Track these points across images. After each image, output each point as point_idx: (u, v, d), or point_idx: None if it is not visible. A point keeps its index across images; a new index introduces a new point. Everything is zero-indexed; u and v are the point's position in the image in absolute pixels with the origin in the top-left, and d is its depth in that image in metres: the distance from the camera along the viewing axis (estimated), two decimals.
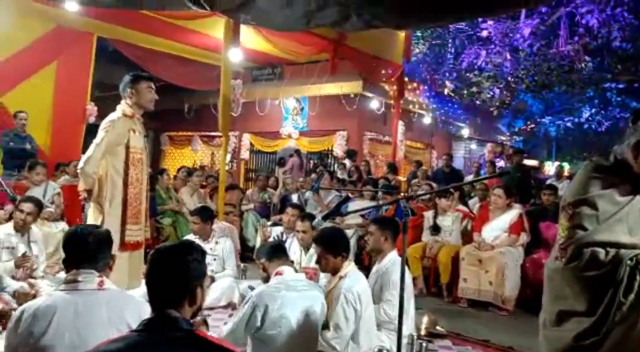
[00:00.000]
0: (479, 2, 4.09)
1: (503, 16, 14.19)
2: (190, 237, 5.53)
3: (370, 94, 12.25)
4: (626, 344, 1.99)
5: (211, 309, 5.10)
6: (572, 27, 13.78)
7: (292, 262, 4.95)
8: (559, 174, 10.81)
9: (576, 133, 16.60)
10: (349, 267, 3.50)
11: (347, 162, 11.15)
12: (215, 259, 5.38)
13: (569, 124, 16.13)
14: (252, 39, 9.30)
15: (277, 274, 2.95)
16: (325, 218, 2.98)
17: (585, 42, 13.27)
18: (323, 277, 4.35)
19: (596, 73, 13.83)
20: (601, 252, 2.04)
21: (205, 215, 5.44)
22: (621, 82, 14.01)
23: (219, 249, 5.43)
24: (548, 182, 9.33)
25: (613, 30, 12.36)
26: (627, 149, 2.12)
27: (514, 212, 6.16)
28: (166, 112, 13.85)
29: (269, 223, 6.36)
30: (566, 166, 15.15)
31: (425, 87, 14.93)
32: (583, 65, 13.66)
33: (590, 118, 15.70)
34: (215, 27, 8.09)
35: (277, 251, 3.27)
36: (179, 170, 9.48)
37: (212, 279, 5.26)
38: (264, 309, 2.78)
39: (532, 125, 16.98)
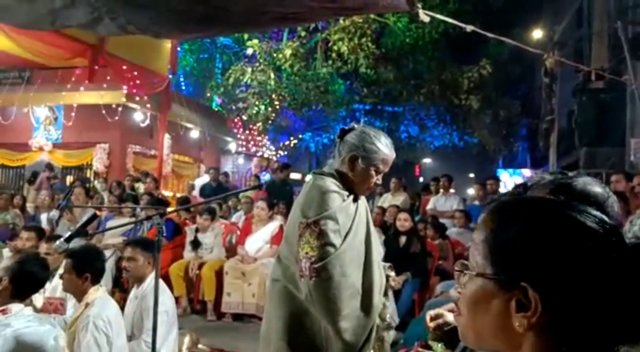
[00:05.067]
0: (231, 18, 4.16)
1: (267, 36, 14.90)
2: None
3: (134, 105, 11.67)
4: None
5: None
6: (327, 51, 15.10)
7: None
8: None
9: (332, 148, 18.16)
10: (98, 293, 3.19)
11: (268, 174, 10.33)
12: None
13: (325, 140, 17.56)
14: None
15: (1, 312, 2.52)
16: (68, 240, 2.65)
17: (338, 66, 14.65)
18: (71, 308, 3.92)
19: (347, 95, 15.32)
20: (346, 279, 2.14)
21: None
22: (367, 104, 15.76)
23: None
24: None
25: (360, 57, 13.87)
26: (344, 164, 2.29)
27: (275, 224, 6.40)
28: None
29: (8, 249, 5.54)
30: None
31: (194, 101, 14.83)
32: (336, 87, 15.01)
33: None
34: None
35: None
36: None
37: None
38: None
39: (295, 141, 18.04)
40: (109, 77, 10.49)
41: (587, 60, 9.86)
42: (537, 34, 12.20)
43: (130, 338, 3.49)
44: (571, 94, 10.76)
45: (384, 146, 2.29)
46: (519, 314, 0.77)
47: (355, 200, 2.32)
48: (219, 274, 6.05)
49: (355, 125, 2.35)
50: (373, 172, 2.29)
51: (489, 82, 13.61)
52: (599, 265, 0.77)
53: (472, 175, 21.10)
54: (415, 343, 2.77)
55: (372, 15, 13.26)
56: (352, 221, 2.22)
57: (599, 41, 9.58)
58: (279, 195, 7.95)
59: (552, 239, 0.79)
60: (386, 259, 6.03)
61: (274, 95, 14.72)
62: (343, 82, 15.21)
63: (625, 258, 0.78)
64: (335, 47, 14.26)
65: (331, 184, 2.25)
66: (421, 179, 18.95)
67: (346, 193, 2.27)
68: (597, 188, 1.34)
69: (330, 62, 14.96)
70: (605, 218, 0.82)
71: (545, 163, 12.85)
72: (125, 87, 10.83)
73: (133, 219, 6.77)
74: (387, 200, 8.35)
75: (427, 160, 22.94)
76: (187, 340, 4.51)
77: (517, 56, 12.58)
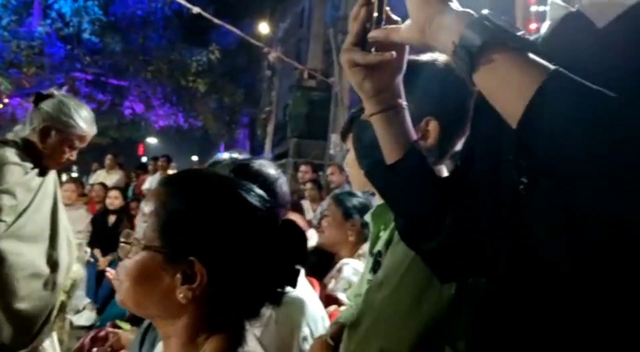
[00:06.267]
0: None
1: None
2: None
3: None
4: None
5: None
6: (45, 9, 13.50)
7: None
8: None
9: None
10: None
11: None
12: None
13: None
14: None
15: None
16: None
17: (58, 28, 13.25)
18: None
19: (67, 61, 13.98)
20: (22, 258, 1.99)
21: None
22: (90, 73, 14.63)
23: None
24: None
25: (84, 21, 12.80)
26: (34, 134, 2.12)
27: None
28: None
29: None
30: None
31: None
32: (55, 50, 13.55)
33: None
34: None
35: None
36: None
37: None
38: None
39: (0, 105, 15.74)
40: None
41: (304, 60, 10.87)
42: (264, 28, 12.97)
43: None
44: (288, 89, 11.76)
45: (84, 121, 2.16)
46: (183, 286, 0.80)
47: (43, 174, 2.16)
48: None
49: (55, 92, 2.18)
50: (67, 148, 2.16)
51: (216, 68, 13.97)
52: (258, 240, 0.84)
53: (195, 158, 21.39)
54: (107, 324, 2.74)
55: None
56: (34, 195, 2.07)
57: (315, 44, 10.65)
58: None
59: (219, 214, 0.83)
60: (93, 238, 5.79)
61: None
62: (63, 46, 13.79)
63: (277, 235, 0.87)
64: (56, 6, 12.89)
65: (12, 154, 2.04)
66: (144, 159, 18.47)
67: (30, 165, 2.09)
68: (270, 170, 1.53)
69: (49, 21, 13.42)
70: (266, 197, 0.90)
71: (263, 151, 13.82)
72: None
73: None
74: (100, 177, 7.92)
75: (152, 140, 22.35)
76: None
77: (246, 47, 13.17)
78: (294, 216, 4.27)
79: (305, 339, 1.53)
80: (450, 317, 1.11)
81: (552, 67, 0.63)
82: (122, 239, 0.90)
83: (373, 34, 0.86)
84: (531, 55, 0.65)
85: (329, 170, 5.92)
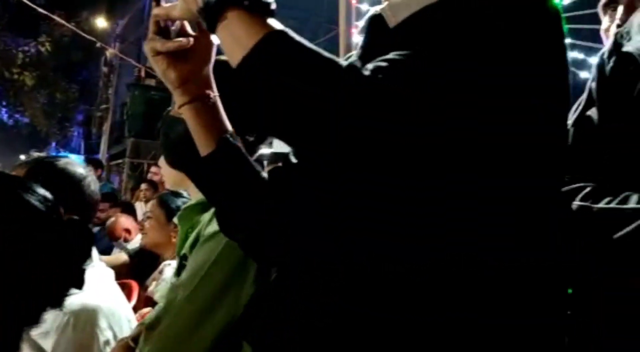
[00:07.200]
0: None
1: None
2: None
3: None
4: None
5: None
6: None
7: None
8: None
9: None
10: None
11: None
12: None
13: None
14: None
15: None
16: None
17: None
18: None
19: None
20: None
21: None
22: None
23: None
24: None
25: None
26: None
27: None
28: None
29: None
30: None
31: None
32: None
33: None
34: None
35: None
36: None
37: None
38: None
39: None
40: None
41: (145, 58, 10.44)
42: (102, 22, 12.25)
43: None
44: (126, 87, 11.27)
45: None
46: None
47: None
48: None
49: None
50: None
51: (47, 61, 12.93)
52: (36, 242, 0.80)
53: (23, 157, 19.58)
54: None
55: None
56: None
57: None
58: None
59: None
60: None
61: None
62: None
63: (59, 235, 0.84)
64: None
65: None
66: None
67: None
68: (77, 169, 1.48)
69: None
70: (50, 197, 0.87)
71: (98, 150, 13.01)
72: None
73: None
74: None
75: None
76: None
77: (82, 40, 12.35)
78: (124, 217, 4.13)
79: (107, 342, 1.49)
80: (250, 316, 1.11)
81: (281, 27, 0.69)
82: None
83: (155, 12, 0.87)
84: (267, 18, 0.70)
85: (154, 169, 5.79)
